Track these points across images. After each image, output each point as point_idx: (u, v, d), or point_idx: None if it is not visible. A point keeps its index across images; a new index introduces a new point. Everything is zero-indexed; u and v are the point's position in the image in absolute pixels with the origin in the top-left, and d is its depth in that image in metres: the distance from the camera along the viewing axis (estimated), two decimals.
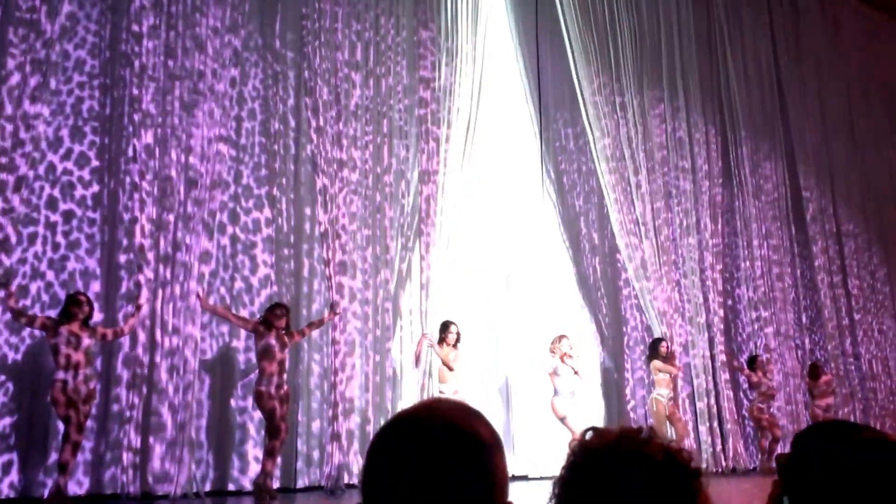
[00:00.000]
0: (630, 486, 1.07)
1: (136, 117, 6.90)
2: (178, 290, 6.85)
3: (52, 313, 6.36)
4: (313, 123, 7.93)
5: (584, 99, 10.01)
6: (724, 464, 9.95)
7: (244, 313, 7.51)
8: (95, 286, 6.88)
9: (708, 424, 9.97)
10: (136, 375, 6.51)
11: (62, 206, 6.92)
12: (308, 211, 8.09)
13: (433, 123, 8.67)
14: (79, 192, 7.02)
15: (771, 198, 11.88)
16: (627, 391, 10.09)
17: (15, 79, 6.35)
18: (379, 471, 1.06)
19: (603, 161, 9.99)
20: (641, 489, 1.07)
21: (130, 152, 6.92)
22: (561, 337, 8.72)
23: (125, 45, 7.16)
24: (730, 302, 11.38)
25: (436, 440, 1.05)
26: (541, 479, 8.55)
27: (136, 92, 6.93)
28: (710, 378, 10.25)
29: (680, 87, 11.13)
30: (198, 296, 6.84)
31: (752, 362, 10.32)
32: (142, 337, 6.59)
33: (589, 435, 1.17)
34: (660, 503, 1.07)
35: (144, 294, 6.60)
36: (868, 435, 1.47)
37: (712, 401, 10.16)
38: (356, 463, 7.32)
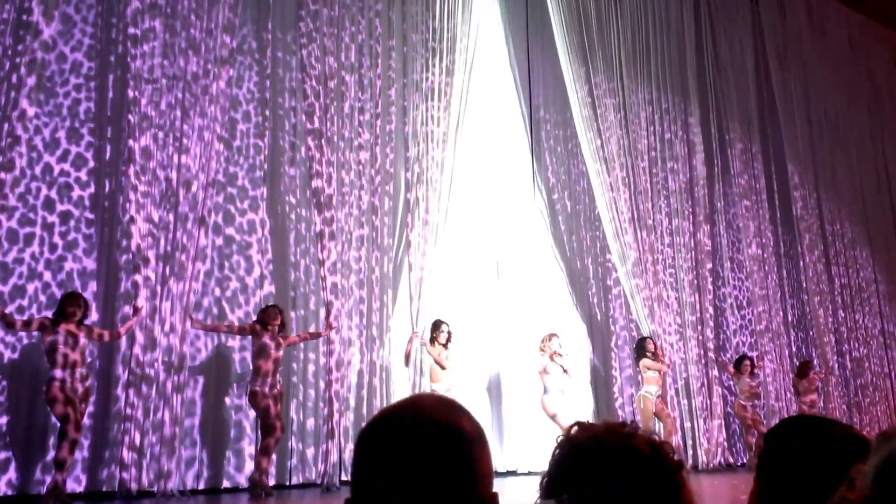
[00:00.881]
0: (616, 479, 1.11)
1: (133, 119, 6.95)
2: (174, 289, 6.92)
3: (49, 313, 6.41)
4: (307, 125, 8.01)
5: (577, 99, 10.12)
6: (710, 459, 10.10)
7: (239, 314, 7.58)
8: (93, 286, 6.94)
9: (693, 422, 10.12)
10: (133, 374, 6.57)
11: (59, 207, 6.95)
12: (303, 212, 8.17)
13: (424, 124, 8.76)
14: (76, 192, 7.05)
15: (759, 198, 12.05)
16: (615, 389, 10.22)
17: (11, 80, 6.40)
18: (366, 468, 1.08)
19: (594, 161, 10.11)
20: (627, 482, 1.11)
21: (127, 154, 6.97)
22: (551, 335, 8.80)
23: (122, 48, 7.22)
24: (717, 300, 11.52)
25: (420, 435, 1.06)
26: (529, 474, 8.68)
27: (132, 94, 6.99)
28: (697, 375, 10.39)
29: (669, 88, 11.26)
30: (189, 318, 6.91)
31: (739, 363, 10.47)
32: (139, 336, 6.66)
33: (574, 430, 1.20)
34: (644, 496, 1.11)
35: (143, 295, 6.66)
36: (837, 430, 1.57)
37: (699, 398, 10.31)
38: (350, 460, 7.41)
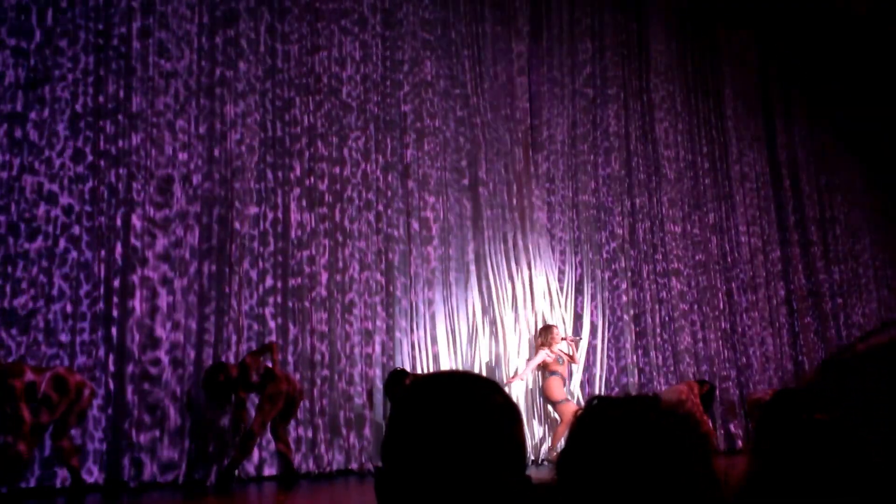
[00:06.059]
0: (643, 450, 1.11)
1: (131, 114, 6.94)
2: (176, 285, 6.93)
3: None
4: (306, 121, 8.04)
5: (573, 90, 10.15)
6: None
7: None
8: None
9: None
10: (141, 371, 6.59)
11: (58, 203, 6.84)
12: (304, 206, 8.15)
13: (417, 120, 8.82)
14: (73, 189, 6.93)
15: (755, 184, 12.13)
16: (613, 379, 10.24)
17: (8, 77, 6.41)
18: (399, 443, 1.08)
19: (591, 153, 10.15)
20: (655, 453, 1.11)
21: (125, 149, 6.94)
22: (553, 327, 8.90)
23: (118, 44, 7.16)
24: (723, 283, 11.58)
25: (455, 411, 1.06)
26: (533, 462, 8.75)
27: (129, 89, 6.97)
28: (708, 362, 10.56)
29: (665, 77, 11.30)
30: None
31: None
32: (141, 334, 6.67)
33: (595, 403, 1.20)
34: (675, 467, 1.10)
35: None
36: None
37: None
38: (362, 449, 7.61)
